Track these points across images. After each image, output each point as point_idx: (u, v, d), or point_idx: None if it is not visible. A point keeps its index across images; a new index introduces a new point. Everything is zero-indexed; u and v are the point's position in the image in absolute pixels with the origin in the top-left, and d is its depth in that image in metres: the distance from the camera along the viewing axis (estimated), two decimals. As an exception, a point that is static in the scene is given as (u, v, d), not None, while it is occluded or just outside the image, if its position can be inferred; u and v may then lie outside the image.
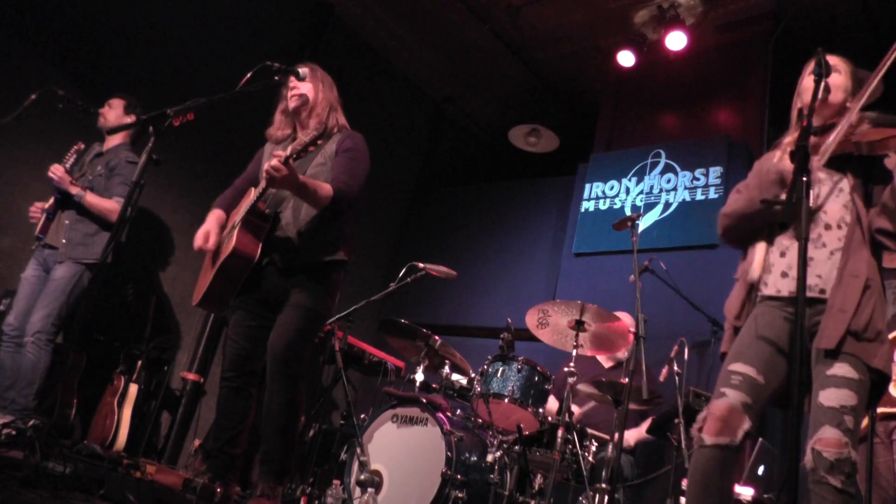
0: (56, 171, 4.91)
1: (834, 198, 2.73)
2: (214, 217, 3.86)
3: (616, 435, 3.91)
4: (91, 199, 4.95)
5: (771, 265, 2.77)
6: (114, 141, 5.26)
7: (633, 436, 5.12)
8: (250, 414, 3.68)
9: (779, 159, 2.88)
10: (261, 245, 3.59)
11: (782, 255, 2.75)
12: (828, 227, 2.69)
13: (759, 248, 2.82)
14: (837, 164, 2.71)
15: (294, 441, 3.60)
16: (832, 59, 2.87)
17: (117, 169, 5.08)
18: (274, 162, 3.30)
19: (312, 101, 3.83)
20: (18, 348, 4.76)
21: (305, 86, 3.83)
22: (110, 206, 4.97)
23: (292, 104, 3.83)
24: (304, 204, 3.62)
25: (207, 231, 3.75)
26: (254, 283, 3.65)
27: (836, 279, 2.58)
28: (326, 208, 3.57)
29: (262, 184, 3.52)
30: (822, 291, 2.61)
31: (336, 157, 3.73)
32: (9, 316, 4.89)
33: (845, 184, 2.74)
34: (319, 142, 3.43)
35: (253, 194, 3.70)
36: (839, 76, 2.85)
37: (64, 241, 4.91)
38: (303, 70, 3.81)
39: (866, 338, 2.48)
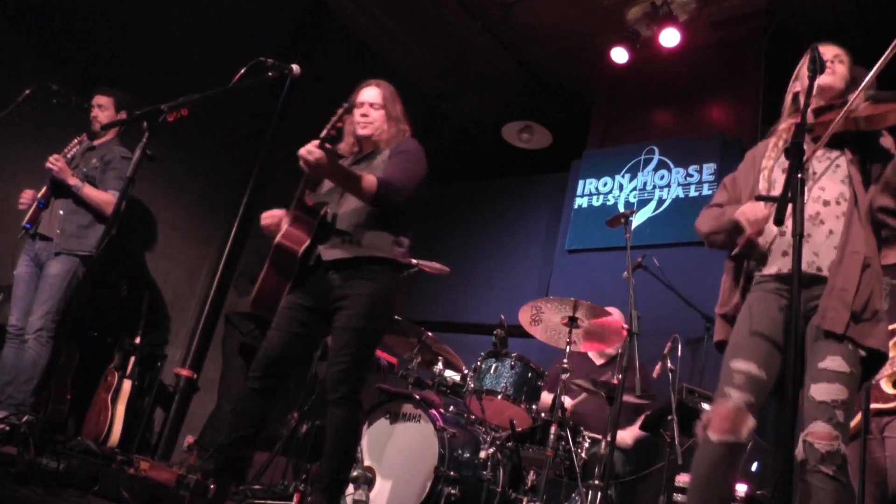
0: (56, 161, 4.89)
1: (831, 174, 2.77)
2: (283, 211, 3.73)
3: (609, 431, 3.92)
4: (89, 191, 4.95)
5: (771, 244, 2.78)
6: (106, 135, 5.26)
7: (630, 435, 5.13)
8: (268, 419, 3.65)
9: (773, 146, 2.90)
10: (308, 240, 3.52)
11: (783, 234, 2.75)
12: (826, 203, 2.72)
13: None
14: (834, 142, 2.74)
15: (350, 460, 3.58)
16: (835, 50, 2.92)
17: (113, 163, 5.08)
18: (308, 145, 3.26)
19: (381, 128, 3.73)
20: (22, 345, 4.77)
21: (376, 113, 3.72)
22: (107, 198, 4.96)
23: (362, 132, 3.72)
24: (355, 200, 3.55)
25: (278, 215, 3.66)
26: (302, 286, 3.57)
27: (837, 257, 2.61)
28: (375, 203, 3.48)
29: (301, 182, 3.50)
30: (819, 269, 2.65)
31: (389, 159, 3.64)
32: (10, 316, 4.88)
33: (843, 161, 2.78)
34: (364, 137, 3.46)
35: (298, 189, 3.62)
36: (842, 66, 2.91)
37: (58, 231, 4.89)
38: (369, 90, 3.74)
39: (864, 318, 2.52)
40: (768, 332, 2.66)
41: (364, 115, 3.70)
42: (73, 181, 4.92)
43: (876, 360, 2.58)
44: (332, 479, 3.42)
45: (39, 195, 4.99)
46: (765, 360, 2.63)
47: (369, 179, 3.43)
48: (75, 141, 5.14)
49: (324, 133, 3.30)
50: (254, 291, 3.60)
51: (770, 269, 2.76)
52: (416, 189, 3.62)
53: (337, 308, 3.50)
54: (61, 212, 4.94)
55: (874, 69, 2.45)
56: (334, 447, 3.45)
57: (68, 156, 5.02)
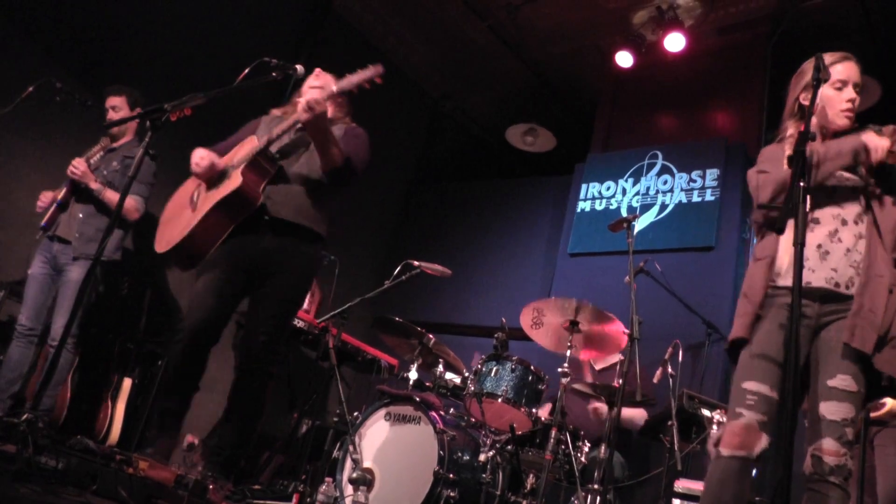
0: (79, 165, 4.87)
1: (850, 195, 2.78)
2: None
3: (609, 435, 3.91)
4: (111, 195, 4.92)
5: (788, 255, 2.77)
6: (125, 136, 5.23)
7: (639, 414, 5.14)
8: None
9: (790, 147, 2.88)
10: (263, 187, 3.47)
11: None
12: (844, 222, 2.74)
13: (783, 239, 2.77)
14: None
15: (251, 438, 3.51)
16: (851, 68, 2.86)
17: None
18: (316, 94, 3.26)
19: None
20: (30, 345, 4.81)
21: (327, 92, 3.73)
22: (128, 203, 4.93)
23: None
24: (307, 164, 3.56)
25: (210, 157, 3.58)
26: (237, 242, 3.49)
27: (863, 278, 2.64)
28: (330, 174, 3.48)
29: (282, 125, 3.46)
30: (837, 285, 2.67)
31: (344, 136, 3.64)
32: (21, 316, 4.88)
33: (860, 182, 2.78)
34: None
35: (258, 141, 3.54)
36: (858, 98, 2.89)
37: (77, 234, 4.88)
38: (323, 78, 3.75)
39: (887, 344, 2.57)
40: (776, 352, 2.67)
41: (314, 85, 3.70)
42: (94, 186, 4.89)
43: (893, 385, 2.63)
44: (232, 453, 3.39)
45: (59, 197, 4.97)
46: (778, 380, 2.65)
47: (341, 151, 3.45)
48: (101, 145, 5.09)
49: (342, 85, 3.36)
50: (179, 235, 3.46)
51: (785, 280, 2.75)
52: (362, 172, 3.65)
53: (269, 273, 3.46)
54: (80, 215, 4.92)
55: None
56: (241, 419, 3.41)
57: (91, 161, 4.99)
